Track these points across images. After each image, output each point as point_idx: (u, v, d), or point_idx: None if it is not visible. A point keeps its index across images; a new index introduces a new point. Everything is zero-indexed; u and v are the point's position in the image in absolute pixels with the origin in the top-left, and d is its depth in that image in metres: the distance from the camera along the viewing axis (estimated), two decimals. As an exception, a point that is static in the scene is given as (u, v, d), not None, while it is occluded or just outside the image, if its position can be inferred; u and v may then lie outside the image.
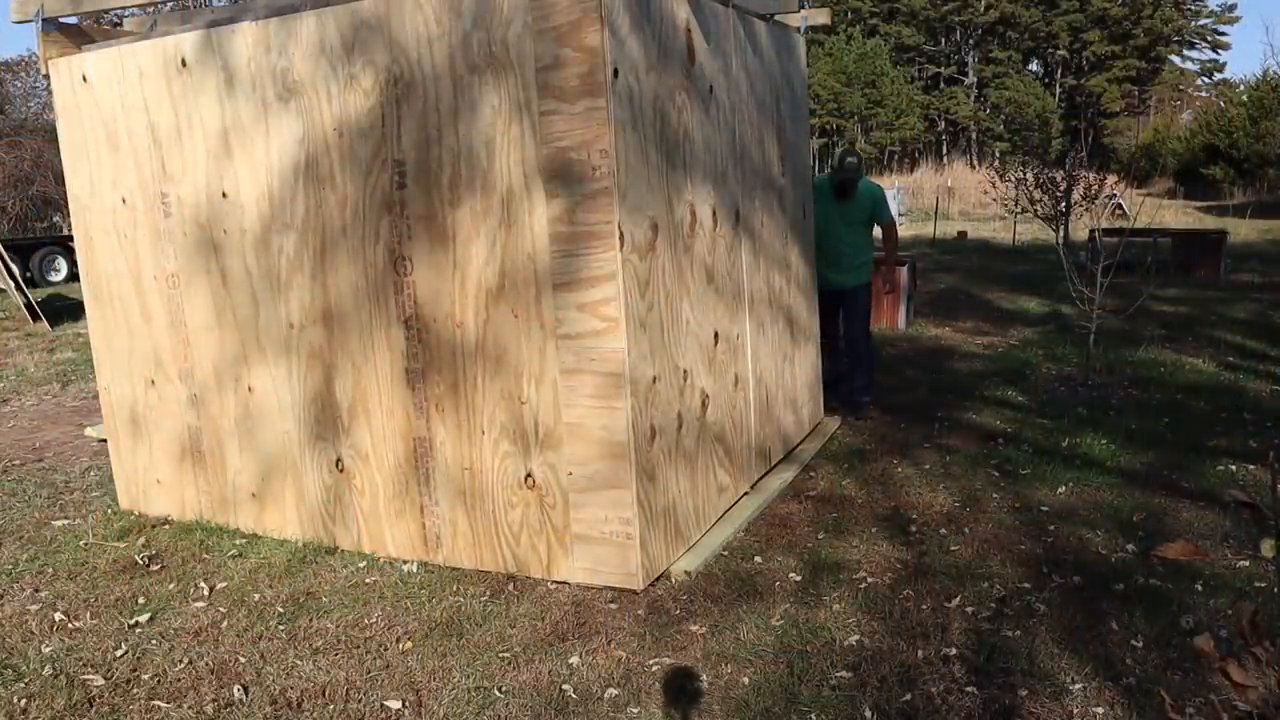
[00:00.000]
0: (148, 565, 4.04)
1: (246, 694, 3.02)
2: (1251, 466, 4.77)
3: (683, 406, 3.85)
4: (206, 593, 3.77)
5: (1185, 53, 50.00)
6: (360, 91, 3.64)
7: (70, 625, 3.52)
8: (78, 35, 4.42)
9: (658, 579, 3.68)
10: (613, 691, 2.95)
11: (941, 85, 49.11)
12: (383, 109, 3.62)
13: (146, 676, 3.15)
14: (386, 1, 3.52)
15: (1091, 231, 10.70)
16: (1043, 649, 3.10)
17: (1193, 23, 48.35)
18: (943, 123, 48.20)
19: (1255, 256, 14.07)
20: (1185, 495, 4.42)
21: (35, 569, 4.05)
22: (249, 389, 4.20)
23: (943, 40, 49.51)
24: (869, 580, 3.66)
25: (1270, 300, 9.86)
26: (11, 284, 11.14)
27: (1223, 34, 49.04)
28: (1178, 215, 21.05)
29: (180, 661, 3.23)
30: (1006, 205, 15.89)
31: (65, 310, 11.29)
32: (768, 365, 4.80)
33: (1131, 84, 46.69)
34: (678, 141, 3.76)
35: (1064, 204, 14.55)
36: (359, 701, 2.96)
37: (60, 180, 12.09)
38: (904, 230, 18.14)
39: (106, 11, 4.46)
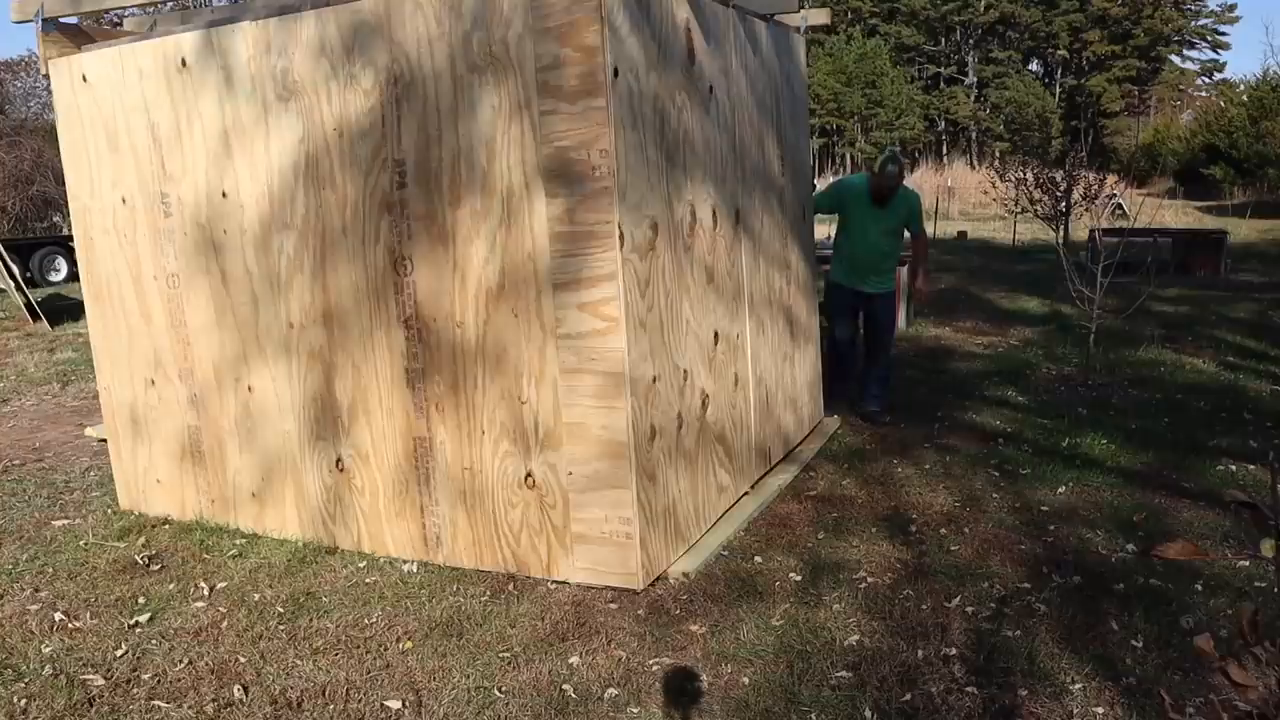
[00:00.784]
0: (148, 565, 4.04)
1: (246, 694, 3.02)
2: (1251, 466, 4.77)
3: (683, 406, 3.85)
4: (206, 593, 3.77)
5: (1185, 53, 50.00)
6: (360, 91, 3.64)
7: (70, 625, 3.52)
8: (78, 35, 4.42)
9: (657, 579, 3.68)
10: (613, 691, 2.95)
11: (941, 85, 49.10)
12: (383, 109, 3.62)
13: (146, 676, 3.15)
14: (386, 1, 3.52)
15: (1091, 231, 10.70)
16: (1043, 649, 3.11)
17: (1193, 23, 48.33)
18: (943, 123, 48.20)
19: (1255, 256, 14.07)
20: (1185, 495, 4.42)
21: (35, 569, 4.05)
22: (249, 389, 4.20)
23: (943, 40, 49.51)
24: (869, 580, 3.66)
25: (1270, 300, 9.86)
26: (11, 284, 11.14)
27: (1223, 34, 49.04)
28: (1178, 215, 21.04)
29: (180, 661, 3.24)
30: (1006, 205, 15.90)
31: (65, 310, 11.29)
32: (768, 365, 4.80)
33: (1131, 84, 46.68)
34: (678, 141, 3.76)
35: (1064, 204, 14.56)
36: (359, 701, 2.96)
37: (60, 180, 12.08)
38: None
39: (106, 11, 4.46)
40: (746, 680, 3.00)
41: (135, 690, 3.07)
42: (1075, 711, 2.78)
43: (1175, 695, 2.77)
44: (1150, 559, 3.71)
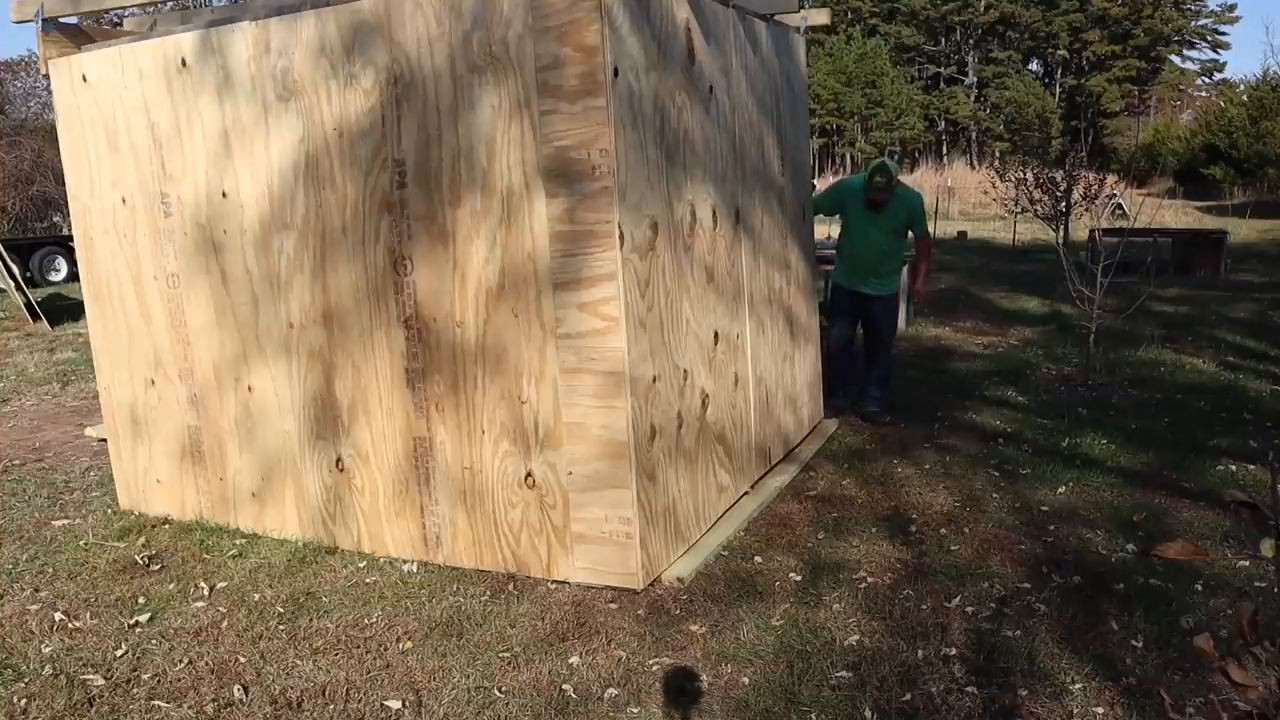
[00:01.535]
0: (148, 565, 4.04)
1: (246, 694, 3.02)
2: (1251, 466, 4.77)
3: (683, 406, 3.85)
4: (206, 593, 3.77)
5: (1185, 53, 50.00)
6: (360, 91, 3.64)
7: (70, 625, 3.52)
8: (77, 35, 4.42)
9: (657, 579, 3.68)
10: (613, 691, 2.95)
11: (941, 85, 49.11)
12: (383, 109, 3.62)
13: (146, 676, 3.15)
14: (386, 1, 3.52)
15: (1091, 231, 10.70)
16: (1043, 649, 3.10)
17: (1193, 23, 48.33)
18: (943, 123, 48.21)
19: (1255, 256, 14.07)
20: (1185, 495, 4.42)
21: (35, 569, 4.05)
22: (249, 389, 4.20)
23: (943, 40, 49.51)
24: (869, 580, 3.66)
25: (1270, 300, 9.86)
26: (11, 284, 11.14)
27: (1223, 34, 49.04)
28: (1178, 215, 21.04)
29: (180, 661, 3.23)
30: (1006, 205, 15.89)
31: (65, 310, 11.29)
32: (768, 365, 4.80)
33: (1131, 84, 46.68)
34: (678, 141, 3.76)
35: (1064, 204, 14.56)
36: (359, 701, 2.96)
37: (60, 180, 12.08)
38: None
39: (106, 11, 4.46)
40: (746, 680, 3.00)
41: (135, 690, 3.07)
42: (1075, 711, 2.78)
43: (1175, 695, 2.77)
44: (1150, 559, 3.71)
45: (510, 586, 3.68)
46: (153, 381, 4.47)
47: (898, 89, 43.64)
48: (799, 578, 3.71)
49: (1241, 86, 33.71)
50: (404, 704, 2.93)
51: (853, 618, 3.38)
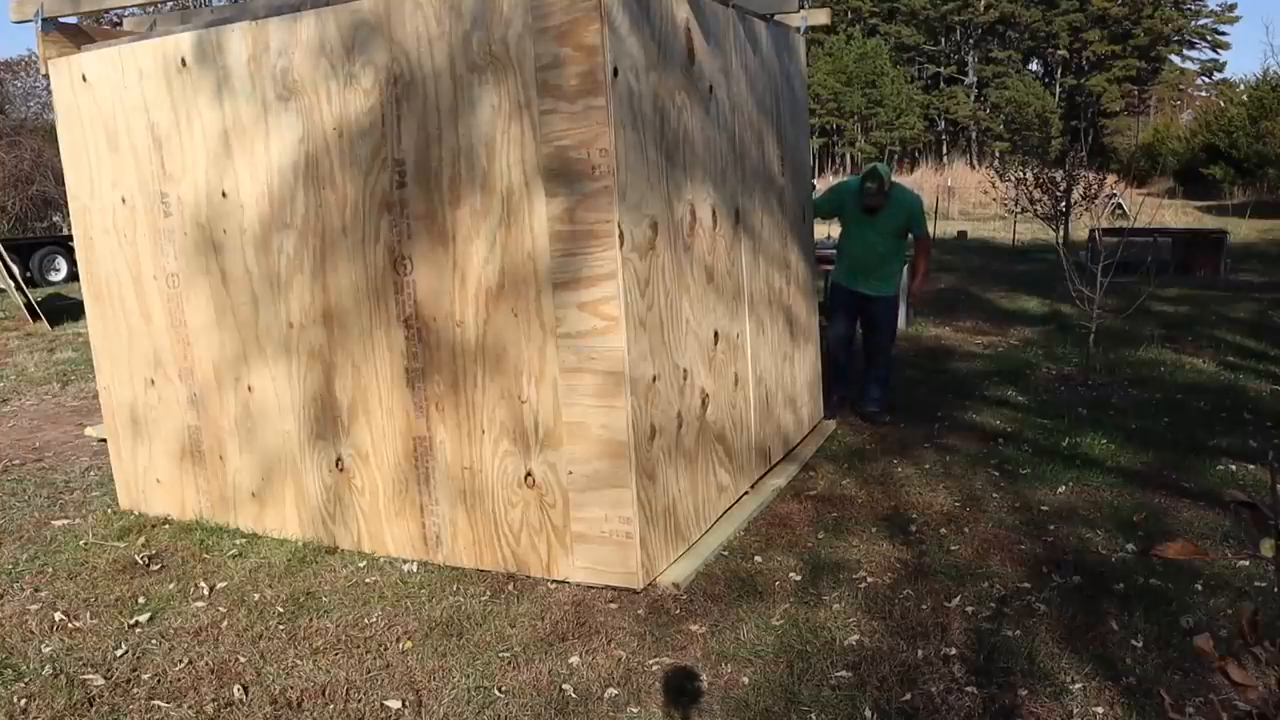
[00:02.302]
0: (148, 565, 4.04)
1: (246, 694, 3.02)
2: (1251, 466, 4.77)
3: (683, 406, 3.85)
4: (206, 592, 3.77)
5: (1185, 53, 50.02)
6: (360, 91, 3.64)
7: (70, 625, 3.52)
8: (77, 35, 4.42)
9: (656, 579, 3.68)
10: (613, 691, 2.95)
11: (941, 85, 49.11)
12: (383, 109, 3.62)
13: (146, 676, 3.15)
14: (386, 1, 3.52)
15: (1091, 231, 10.70)
16: (1043, 649, 3.10)
17: (1193, 23, 48.34)
18: (943, 122, 48.21)
19: (1255, 256, 14.07)
20: (1185, 495, 4.42)
21: (35, 569, 4.05)
22: (249, 389, 4.20)
23: (943, 40, 49.52)
24: (869, 580, 3.66)
25: (1270, 300, 9.86)
26: (11, 284, 11.14)
27: (1223, 34, 49.05)
28: (1178, 215, 21.04)
29: (180, 661, 3.23)
30: (1006, 205, 15.89)
31: (65, 310, 11.29)
32: (768, 365, 4.80)
33: (1131, 84, 46.69)
34: (677, 141, 3.76)
35: (1064, 204, 14.56)
36: (359, 701, 2.96)
37: (60, 180, 12.06)
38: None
39: (106, 11, 4.46)
40: (746, 680, 3.00)
41: (135, 690, 3.07)
42: (1075, 711, 2.78)
43: (1175, 695, 2.77)
44: (1150, 559, 3.71)
45: (510, 586, 3.68)
46: (153, 381, 4.47)
47: (898, 89, 43.66)
48: (799, 577, 3.71)
49: (1241, 86, 33.72)
50: (404, 704, 2.93)
51: (853, 618, 3.38)
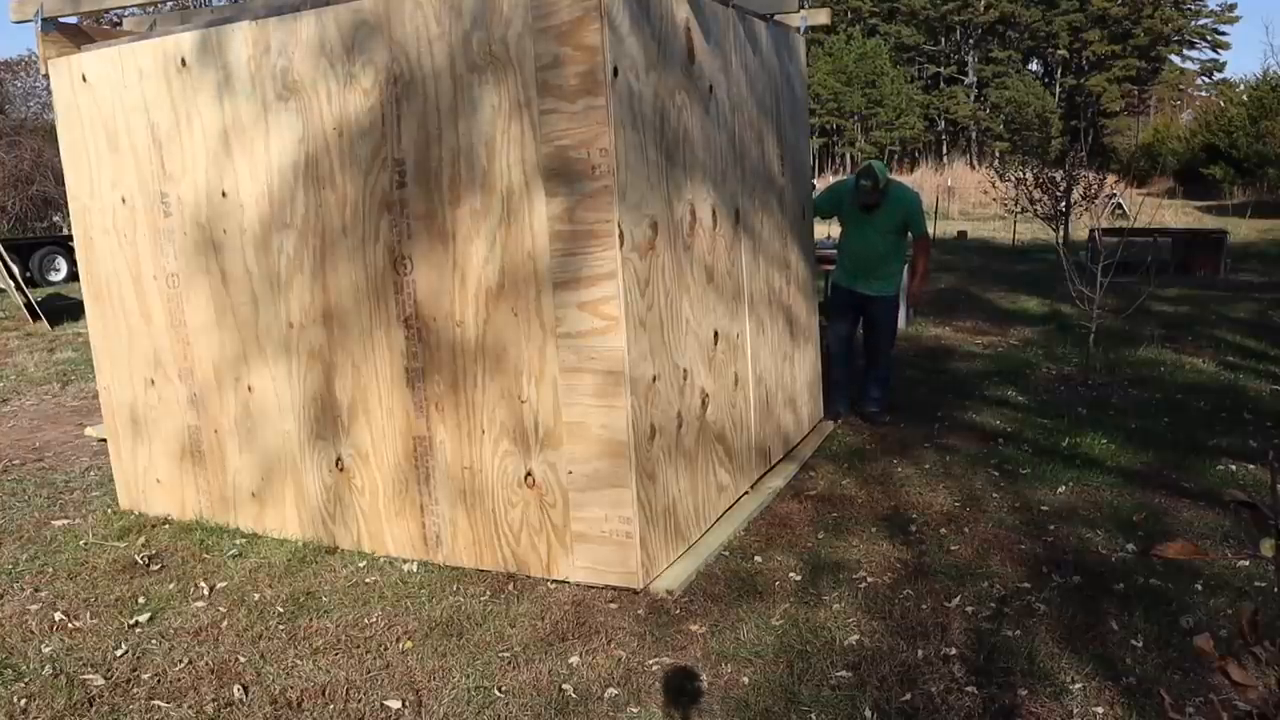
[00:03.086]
0: (148, 565, 4.04)
1: (246, 694, 3.02)
2: (1251, 466, 4.77)
3: (683, 406, 3.85)
4: (206, 592, 3.77)
5: (1185, 53, 50.03)
6: (360, 91, 3.64)
7: (70, 625, 3.52)
8: (77, 35, 4.42)
9: (656, 579, 3.68)
10: (613, 691, 2.95)
11: (941, 85, 49.12)
12: (383, 108, 3.62)
13: (146, 676, 3.15)
14: (386, 1, 3.52)
15: (1091, 231, 10.70)
16: (1043, 649, 3.10)
17: (1193, 23, 48.35)
18: (943, 122, 48.22)
19: (1255, 256, 14.07)
20: (1185, 495, 4.42)
21: (35, 569, 4.05)
22: (249, 389, 4.20)
23: (943, 40, 49.52)
24: (869, 580, 3.66)
25: (1270, 300, 9.86)
26: (11, 284, 11.14)
27: (1223, 34, 49.05)
28: (1178, 215, 21.04)
29: (180, 661, 3.23)
30: (1006, 205, 15.90)
31: (65, 310, 11.29)
32: (768, 364, 4.80)
33: (1131, 84, 46.70)
34: (677, 141, 3.76)
35: (1064, 204, 14.56)
36: (359, 701, 2.96)
37: (60, 180, 12.07)
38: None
39: (106, 11, 4.46)
40: (746, 680, 3.00)
41: (135, 690, 3.07)
42: (1075, 711, 2.78)
43: (1175, 695, 2.77)
44: (1150, 559, 3.71)
45: (510, 586, 3.68)
46: (152, 381, 4.47)
47: (898, 89, 43.67)
48: (799, 577, 3.71)
49: (1241, 86, 33.72)
50: (404, 704, 2.93)
51: (853, 617, 3.37)
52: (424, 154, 3.58)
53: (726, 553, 3.96)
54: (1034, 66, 50.97)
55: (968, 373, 7.01)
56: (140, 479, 4.66)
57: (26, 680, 3.14)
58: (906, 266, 6.68)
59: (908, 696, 2.87)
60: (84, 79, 4.26)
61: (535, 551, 3.72)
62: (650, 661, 3.12)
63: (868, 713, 2.80)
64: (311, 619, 3.50)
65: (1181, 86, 49.66)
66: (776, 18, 4.87)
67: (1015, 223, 16.87)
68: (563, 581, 3.68)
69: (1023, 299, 10.35)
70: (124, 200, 4.30)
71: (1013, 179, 15.68)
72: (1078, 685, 2.90)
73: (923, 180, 27.87)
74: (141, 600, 3.72)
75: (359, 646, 3.29)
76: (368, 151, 3.68)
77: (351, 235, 3.80)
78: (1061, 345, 7.75)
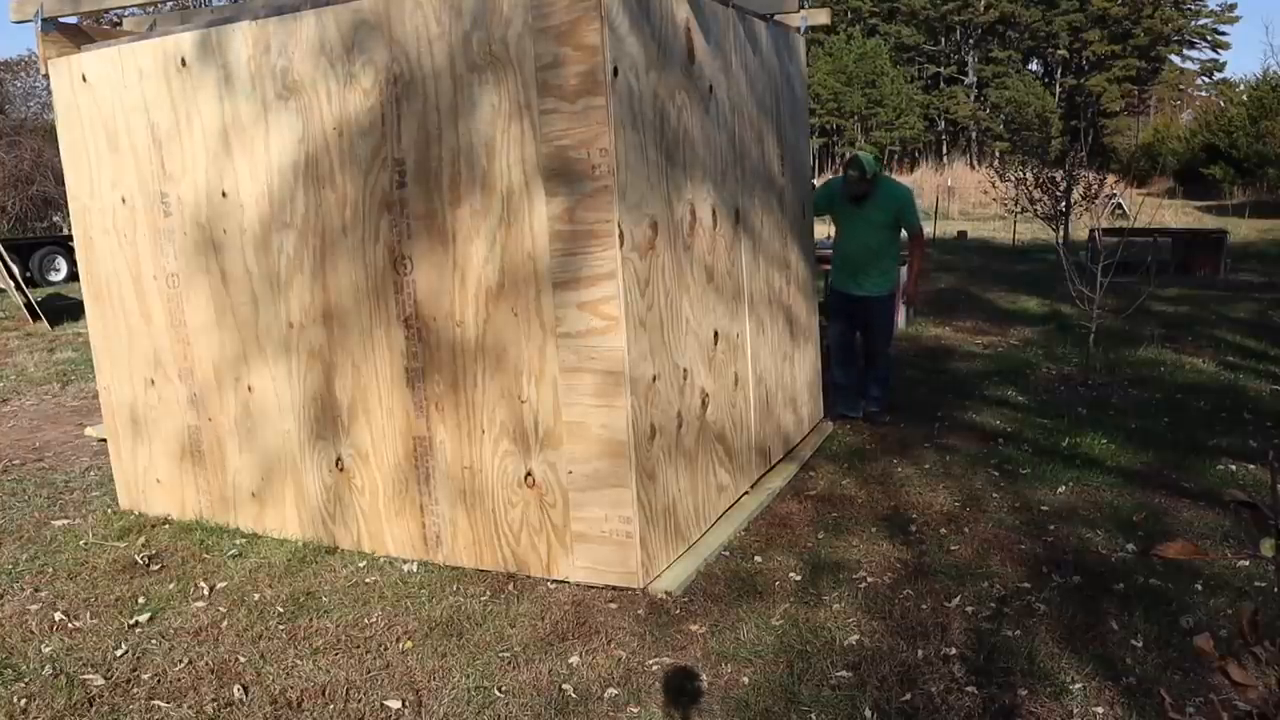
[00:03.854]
0: (148, 565, 4.04)
1: (246, 694, 3.02)
2: (1251, 466, 4.77)
3: (683, 405, 3.85)
4: (206, 592, 3.77)
5: (1185, 53, 50.04)
6: (360, 91, 3.64)
7: (70, 625, 3.52)
8: (77, 35, 4.42)
9: (656, 579, 3.68)
10: (613, 691, 2.95)
11: (941, 85, 49.12)
12: (383, 108, 3.62)
13: (146, 676, 3.15)
14: (386, 1, 3.52)
15: (1091, 231, 10.70)
16: (1043, 649, 3.10)
17: (1193, 23, 48.35)
18: (943, 122, 48.22)
19: (1255, 256, 14.07)
20: (1185, 495, 4.42)
21: (35, 569, 4.04)
22: (249, 389, 4.20)
23: (943, 40, 49.52)
24: (869, 580, 3.66)
25: (1270, 300, 9.86)
26: (11, 284, 11.14)
27: (1223, 34, 49.06)
28: (1178, 215, 21.05)
29: (180, 661, 3.23)
30: (1006, 205, 15.90)
31: (65, 310, 11.29)
32: (768, 364, 4.80)
33: (1131, 84, 46.71)
34: (677, 140, 3.76)
35: (1064, 204, 14.56)
36: (359, 701, 2.96)
37: (60, 180, 12.06)
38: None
39: (106, 11, 4.46)
40: (746, 680, 3.00)
41: (135, 690, 3.07)
42: (1075, 711, 2.78)
43: (1175, 695, 2.77)
44: (1150, 559, 3.71)
45: (510, 586, 3.68)
46: (152, 381, 4.47)
47: (898, 89, 43.67)
48: (799, 577, 3.71)
49: (1241, 86, 33.75)
50: (404, 704, 2.93)
51: (853, 618, 3.37)
52: (424, 154, 3.58)
53: (726, 553, 3.96)
54: (1034, 66, 50.98)
55: (968, 373, 7.01)
56: (140, 479, 4.66)
57: (26, 680, 3.14)
58: (904, 266, 6.68)
59: (908, 696, 2.87)
60: (84, 79, 4.26)
61: (535, 551, 3.72)
62: (650, 661, 3.12)
63: (868, 713, 2.80)
64: (311, 619, 3.50)
65: (1181, 86, 49.67)
66: (776, 18, 4.87)
67: (1015, 223, 16.88)
68: (563, 581, 3.68)
69: (1023, 299, 10.35)
70: (124, 200, 4.30)
71: (1013, 179, 15.67)
72: (1078, 685, 2.90)
73: (923, 180, 27.88)
74: (141, 600, 3.72)
75: (359, 646, 3.29)
76: (368, 151, 3.68)
77: (351, 235, 3.80)
78: (1061, 345, 7.75)
